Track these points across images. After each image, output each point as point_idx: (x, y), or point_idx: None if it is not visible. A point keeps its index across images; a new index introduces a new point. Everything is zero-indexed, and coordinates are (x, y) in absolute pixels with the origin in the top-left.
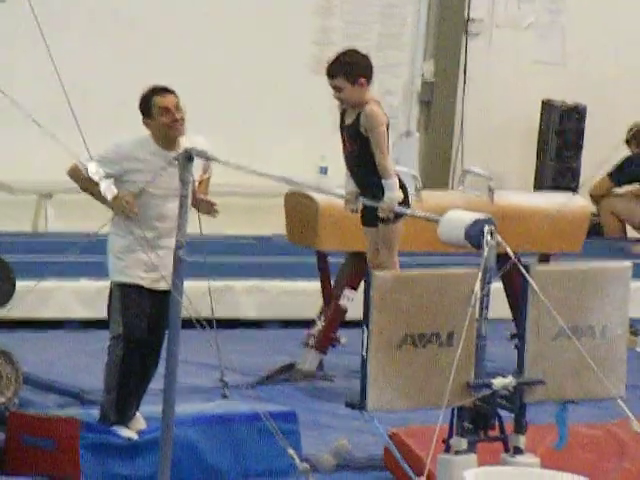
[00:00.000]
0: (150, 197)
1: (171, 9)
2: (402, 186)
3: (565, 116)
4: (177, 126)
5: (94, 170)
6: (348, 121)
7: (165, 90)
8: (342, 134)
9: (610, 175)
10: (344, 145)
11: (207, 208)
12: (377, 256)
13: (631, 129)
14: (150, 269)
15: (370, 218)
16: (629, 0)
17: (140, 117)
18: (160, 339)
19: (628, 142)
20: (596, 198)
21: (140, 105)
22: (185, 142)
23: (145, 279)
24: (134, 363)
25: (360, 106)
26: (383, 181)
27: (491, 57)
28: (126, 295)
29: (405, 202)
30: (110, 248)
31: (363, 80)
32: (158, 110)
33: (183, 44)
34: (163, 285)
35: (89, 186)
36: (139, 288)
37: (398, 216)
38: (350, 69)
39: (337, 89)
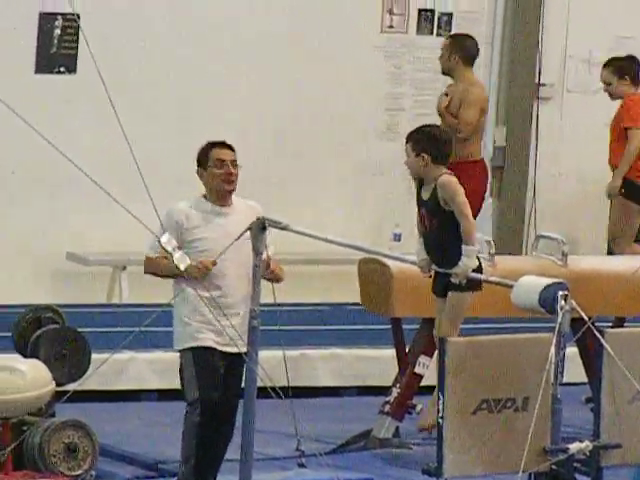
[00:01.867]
0: (212, 256)
1: (232, 80)
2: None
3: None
4: (230, 179)
5: (166, 240)
6: (425, 196)
7: (224, 144)
8: (419, 209)
9: None
10: (422, 221)
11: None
12: (448, 323)
13: None
14: (220, 331)
15: (441, 287)
16: None
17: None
18: (234, 405)
19: None
20: None
21: (198, 158)
22: (239, 203)
23: (216, 341)
24: (211, 428)
25: (431, 181)
26: (464, 247)
27: (562, 122)
28: (199, 358)
29: (478, 270)
30: (176, 317)
31: (425, 156)
32: (214, 162)
33: (251, 110)
34: (234, 348)
35: (165, 268)
36: (211, 350)
37: (470, 287)
38: (418, 140)
39: (407, 154)
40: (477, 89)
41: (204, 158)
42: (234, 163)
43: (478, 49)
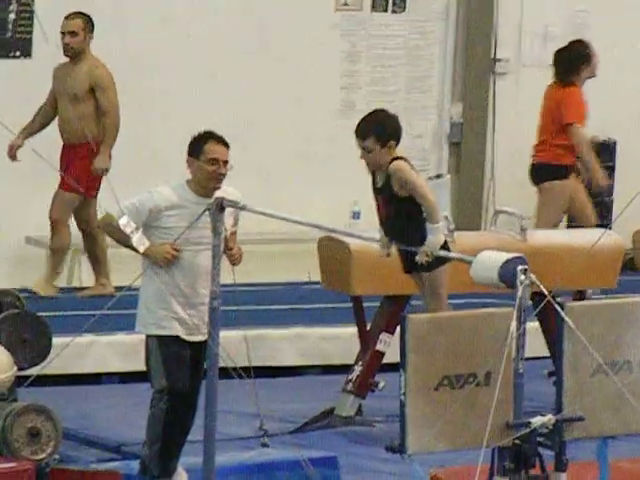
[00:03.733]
0: (184, 245)
1: (194, 60)
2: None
3: (595, 152)
4: (219, 179)
5: (125, 222)
6: (380, 183)
7: (221, 140)
8: (376, 197)
9: None
10: (378, 208)
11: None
12: (432, 298)
13: None
14: (184, 320)
15: (410, 264)
16: None
17: (170, 169)
18: (197, 390)
19: None
20: None
21: (191, 144)
22: (219, 192)
23: (181, 330)
24: (178, 415)
25: (386, 167)
26: (429, 225)
27: (519, 96)
28: (166, 347)
29: (444, 247)
30: (142, 301)
31: (392, 143)
32: (207, 157)
33: (210, 92)
34: (199, 337)
35: (121, 237)
36: (177, 339)
37: (440, 262)
38: (381, 131)
39: (366, 150)
40: (106, 71)
41: (198, 149)
42: (226, 163)
43: None
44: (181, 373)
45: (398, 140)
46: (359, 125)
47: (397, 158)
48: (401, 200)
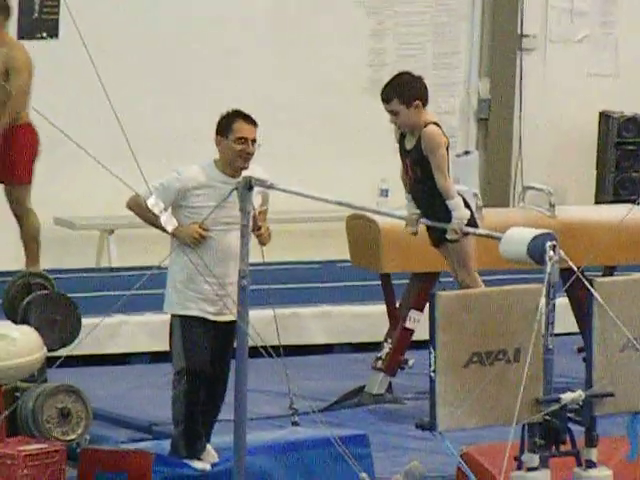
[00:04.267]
0: (212, 225)
1: (223, 38)
2: (467, 205)
3: (623, 127)
4: (247, 158)
5: (153, 202)
6: (409, 146)
7: (249, 118)
8: (403, 160)
9: None
10: (406, 171)
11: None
12: (462, 268)
13: None
14: (213, 300)
15: (438, 239)
16: None
17: (200, 147)
18: (226, 370)
19: None
20: None
21: (220, 123)
22: (246, 171)
23: (208, 311)
24: (199, 396)
25: (418, 129)
26: (448, 202)
27: (546, 72)
28: (187, 328)
29: (472, 221)
30: (170, 281)
31: (418, 102)
32: (235, 137)
33: (237, 72)
34: (228, 316)
35: (149, 217)
36: (201, 320)
37: (465, 233)
38: (404, 92)
39: (393, 113)
40: (22, 53)
41: (226, 128)
42: (254, 142)
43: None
44: (201, 355)
45: (424, 100)
46: (383, 89)
47: (433, 123)
48: (429, 163)
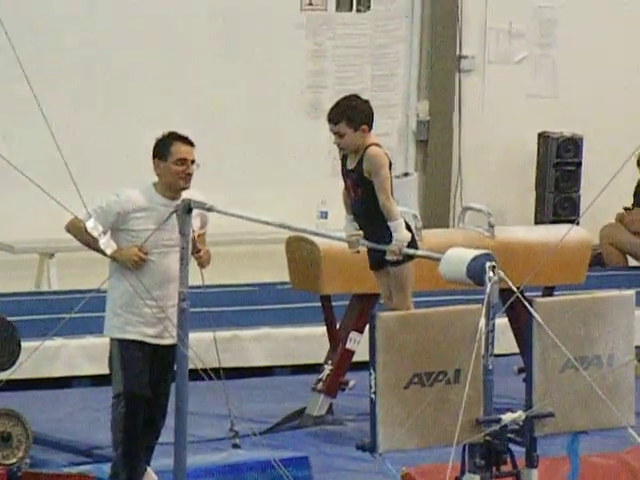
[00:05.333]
0: (152, 248)
1: (162, 61)
2: (408, 227)
3: (562, 147)
4: (187, 179)
5: (92, 225)
6: (351, 166)
7: (187, 140)
8: (345, 180)
9: (639, 204)
10: (348, 191)
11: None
12: (391, 300)
13: None
14: (153, 323)
15: (378, 261)
16: (617, 30)
17: (139, 170)
18: (166, 393)
19: (639, 163)
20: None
21: (156, 146)
22: (184, 194)
23: (148, 334)
24: (138, 420)
25: (361, 150)
26: (389, 223)
27: (485, 93)
28: (127, 352)
29: (412, 243)
30: (109, 304)
31: (365, 127)
32: (175, 158)
33: (174, 93)
34: (168, 340)
35: (88, 240)
36: (140, 344)
37: (408, 257)
38: (353, 115)
39: (339, 135)
40: None
41: (164, 150)
42: (193, 162)
43: None
44: (140, 378)
45: (370, 124)
46: (331, 110)
47: (376, 145)
48: (370, 183)
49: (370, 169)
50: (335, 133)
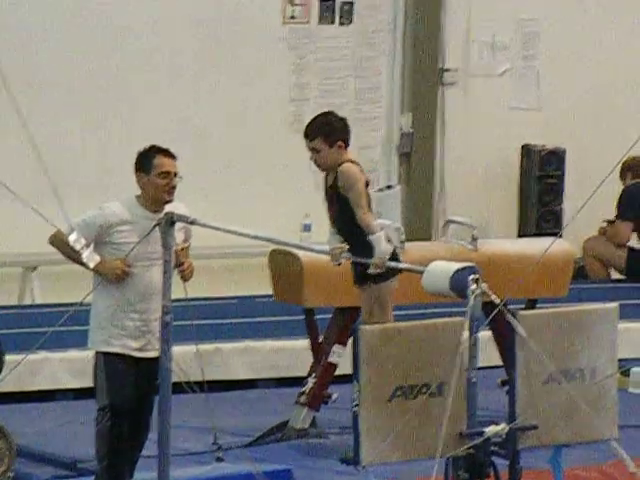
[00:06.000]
0: (135, 261)
1: (145, 74)
2: (389, 241)
3: (545, 160)
4: (171, 191)
5: (75, 238)
6: (329, 183)
7: (169, 153)
8: (325, 196)
9: (622, 216)
10: (328, 207)
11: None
12: (373, 316)
13: (625, 162)
14: (136, 336)
15: (361, 277)
16: (601, 42)
17: (122, 183)
18: (150, 406)
19: (622, 175)
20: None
21: (139, 159)
22: (167, 207)
23: (131, 347)
24: (123, 433)
25: (336, 168)
26: (369, 237)
27: (468, 105)
28: (110, 365)
29: (394, 256)
30: (93, 317)
31: (341, 143)
32: (158, 171)
33: (158, 106)
34: (151, 352)
35: (71, 253)
36: (124, 357)
37: (390, 273)
38: (329, 132)
39: (315, 151)
40: None
41: (147, 164)
42: (175, 175)
43: None
44: (124, 391)
45: (346, 141)
46: (307, 127)
47: (350, 161)
48: (344, 200)
49: (343, 185)
50: (311, 149)
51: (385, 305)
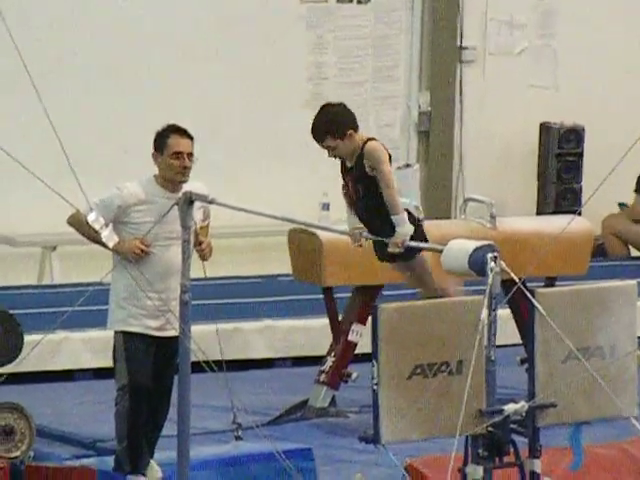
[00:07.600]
0: (154, 241)
1: (162, 54)
2: (413, 220)
3: (564, 138)
4: (185, 172)
5: (94, 218)
6: (349, 164)
7: (184, 133)
8: (344, 178)
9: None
10: (348, 190)
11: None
12: (420, 284)
13: None
14: (155, 316)
15: (385, 254)
16: (618, 20)
17: (140, 163)
18: (169, 385)
19: None
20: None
21: (155, 139)
22: (186, 187)
23: (151, 327)
24: (142, 412)
25: (357, 152)
26: (392, 217)
27: (486, 84)
28: (130, 345)
29: (419, 234)
30: (112, 297)
31: (351, 131)
32: (171, 151)
33: (177, 87)
34: (170, 332)
35: (90, 233)
36: (144, 336)
37: (415, 250)
38: (334, 128)
39: (329, 149)
40: None
41: (162, 143)
42: (190, 156)
43: None
44: (143, 371)
45: (355, 127)
46: (312, 131)
47: (371, 139)
48: (371, 179)
49: (371, 163)
50: (325, 148)
51: (422, 276)
